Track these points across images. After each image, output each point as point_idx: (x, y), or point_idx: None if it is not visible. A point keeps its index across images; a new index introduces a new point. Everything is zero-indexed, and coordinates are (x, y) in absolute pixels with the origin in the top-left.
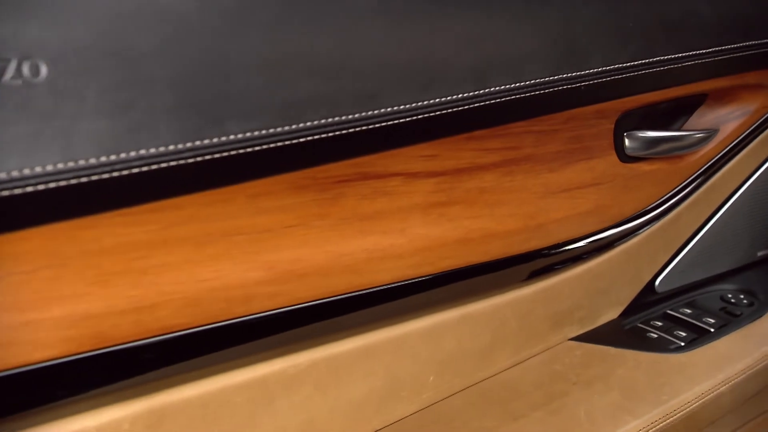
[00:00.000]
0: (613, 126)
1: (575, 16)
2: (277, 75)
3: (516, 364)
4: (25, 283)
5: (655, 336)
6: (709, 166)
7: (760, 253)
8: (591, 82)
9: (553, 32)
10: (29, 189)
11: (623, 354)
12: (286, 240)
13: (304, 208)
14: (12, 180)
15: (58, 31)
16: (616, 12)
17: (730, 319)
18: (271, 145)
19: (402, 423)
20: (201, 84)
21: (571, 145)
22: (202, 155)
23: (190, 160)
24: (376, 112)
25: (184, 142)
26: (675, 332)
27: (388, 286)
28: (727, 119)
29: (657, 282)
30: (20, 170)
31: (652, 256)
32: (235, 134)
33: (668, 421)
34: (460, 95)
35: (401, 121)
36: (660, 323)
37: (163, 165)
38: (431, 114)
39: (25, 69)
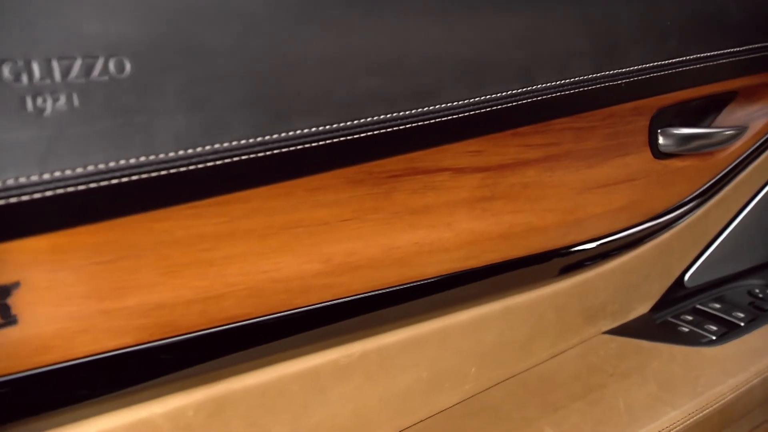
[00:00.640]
0: (648, 123)
1: (616, 14)
2: (339, 72)
3: (553, 357)
4: (103, 272)
5: (687, 330)
6: (738, 162)
7: None
8: (631, 80)
9: (596, 30)
10: (114, 181)
11: (657, 347)
12: (341, 233)
13: (359, 202)
14: (99, 173)
15: (140, 29)
16: (654, 10)
17: (758, 314)
18: (335, 140)
19: (446, 413)
20: (270, 80)
21: (608, 141)
22: (271, 149)
23: (260, 154)
24: (430, 108)
25: (255, 137)
26: (705, 326)
27: (435, 279)
28: (755, 117)
29: (686, 277)
30: (106, 163)
31: (682, 251)
32: (302, 129)
33: (705, 412)
34: (508, 92)
35: (454, 117)
36: (690, 317)
37: (235, 159)
38: (482, 110)
39: (111, 66)
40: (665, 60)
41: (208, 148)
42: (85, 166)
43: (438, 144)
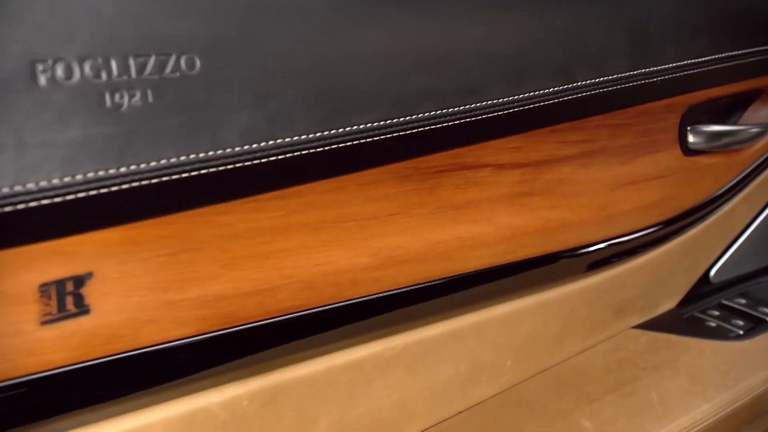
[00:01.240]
0: (678, 120)
1: (650, 12)
2: (392, 69)
3: (584, 351)
4: (168, 264)
5: (714, 325)
6: (764, 159)
7: None
8: (665, 78)
9: (632, 28)
10: (184, 175)
11: (686, 342)
12: (389, 227)
13: (406, 197)
14: (171, 166)
15: (209, 27)
16: (686, 8)
17: None
18: (388, 136)
19: (483, 405)
20: (328, 77)
21: (639, 138)
22: (329, 144)
23: (319, 149)
24: (476, 105)
25: (315, 132)
26: (732, 321)
27: (475, 273)
28: None
29: (712, 272)
30: (177, 157)
31: (708, 247)
32: (358, 125)
33: (736, 405)
34: (549, 89)
35: (498, 114)
36: (717, 313)
37: (296, 153)
38: (524, 107)
39: (183, 63)
40: (697, 58)
41: (271, 143)
42: (158, 160)
43: (482, 140)
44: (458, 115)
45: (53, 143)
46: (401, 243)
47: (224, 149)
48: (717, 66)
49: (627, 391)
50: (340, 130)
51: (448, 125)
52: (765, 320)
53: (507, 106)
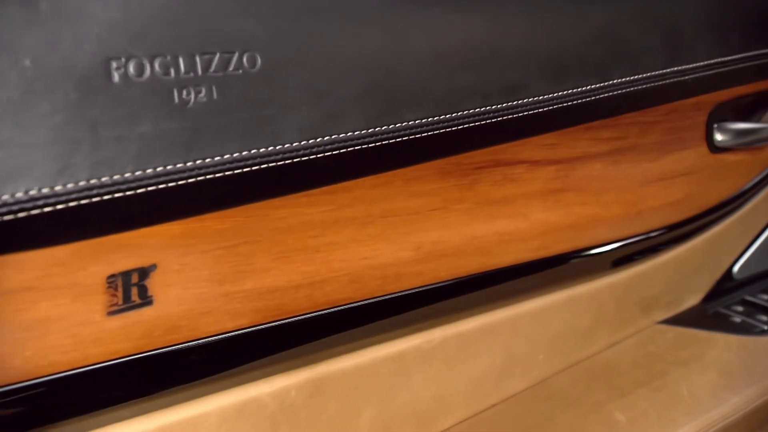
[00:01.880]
0: (706, 118)
1: (683, 10)
2: (439, 67)
3: (612, 345)
4: (225, 257)
5: (739, 321)
6: None
7: None
8: (697, 75)
9: (665, 26)
10: (246, 170)
11: (713, 337)
12: (430, 222)
13: (447, 193)
14: (233, 161)
15: (270, 25)
16: (716, 6)
17: None
18: (436, 132)
19: (517, 398)
20: (380, 74)
21: (668, 136)
22: (380, 140)
23: (371, 145)
24: (519, 102)
25: (367, 128)
26: (757, 317)
27: (510, 267)
28: None
29: (735, 269)
30: (240, 152)
31: (731, 243)
32: (407, 121)
33: (764, 398)
34: (587, 87)
35: (539, 111)
36: (741, 308)
37: (350, 149)
38: (563, 104)
39: (245, 60)
40: (728, 56)
41: (326, 138)
42: (222, 155)
43: (522, 137)
44: (501, 112)
45: (126, 138)
46: (442, 238)
47: (283, 144)
48: (746, 64)
49: (657, 384)
50: (391, 126)
51: (492, 122)
52: None
53: (547, 103)
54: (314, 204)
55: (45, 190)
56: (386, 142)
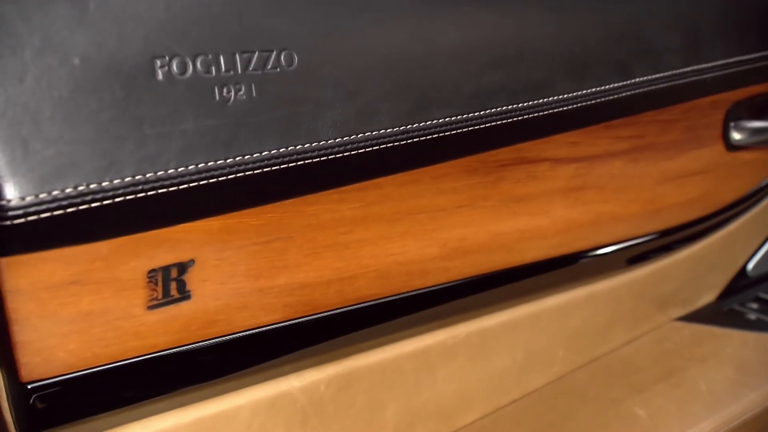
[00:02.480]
0: (723, 116)
1: (702, 9)
2: (468, 65)
3: (629, 342)
4: (260, 252)
5: (754, 318)
6: None
7: None
8: (716, 74)
9: (686, 25)
10: (283, 166)
11: (729, 333)
12: (456, 219)
13: (473, 190)
14: (272, 158)
15: (306, 24)
16: (734, 5)
17: None
18: (464, 130)
19: (537, 394)
20: (411, 72)
21: (686, 134)
22: (411, 137)
23: (402, 142)
24: (544, 100)
25: (399, 125)
26: None
27: (532, 264)
28: None
29: (749, 266)
30: (278, 149)
31: (746, 241)
32: (437, 119)
33: None
34: (609, 86)
35: (564, 109)
36: (755, 306)
37: (382, 146)
38: (587, 103)
39: (282, 59)
40: (746, 55)
41: (360, 135)
42: (260, 152)
43: (545, 135)
44: (527, 111)
45: (169, 135)
46: (467, 234)
47: (319, 141)
48: (763, 63)
49: (675, 381)
50: (422, 123)
51: (518, 120)
52: None
53: (571, 101)
54: (345, 201)
55: (93, 186)
56: (417, 139)
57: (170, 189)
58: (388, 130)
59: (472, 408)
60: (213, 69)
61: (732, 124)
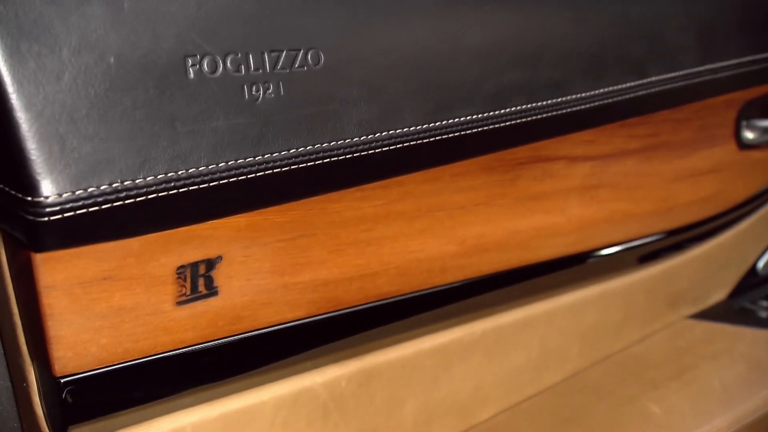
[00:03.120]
0: (735, 116)
1: (716, 9)
2: (489, 64)
3: (642, 340)
4: (285, 249)
5: (765, 315)
6: None
7: None
8: (730, 73)
9: (700, 25)
10: (310, 164)
11: (741, 331)
12: (474, 217)
13: (490, 188)
14: (299, 155)
15: (332, 23)
16: (746, 6)
17: None
18: (485, 128)
19: (552, 390)
20: (434, 71)
21: (699, 132)
22: (434, 136)
23: (425, 140)
24: (562, 99)
25: (422, 124)
26: None
27: (548, 262)
28: None
29: (759, 264)
30: (305, 147)
31: (756, 239)
32: (459, 117)
33: None
34: (626, 85)
35: (581, 108)
36: (766, 303)
37: (405, 144)
38: (603, 102)
39: (309, 57)
40: (759, 54)
41: (384, 133)
42: (288, 150)
43: (563, 133)
44: (546, 109)
45: (201, 132)
46: (484, 232)
47: (345, 139)
48: None
49: (689, 378)
50: (444, 122)
51: (537, 118)
52: None
53: (588, 100)
54: (367, 198)
55: (127, 183)
56: (439, 137)
57: (201, 186)
58: (412, 129)
59: (488, 404)
60: (242, 67)
61: (744, 123)
